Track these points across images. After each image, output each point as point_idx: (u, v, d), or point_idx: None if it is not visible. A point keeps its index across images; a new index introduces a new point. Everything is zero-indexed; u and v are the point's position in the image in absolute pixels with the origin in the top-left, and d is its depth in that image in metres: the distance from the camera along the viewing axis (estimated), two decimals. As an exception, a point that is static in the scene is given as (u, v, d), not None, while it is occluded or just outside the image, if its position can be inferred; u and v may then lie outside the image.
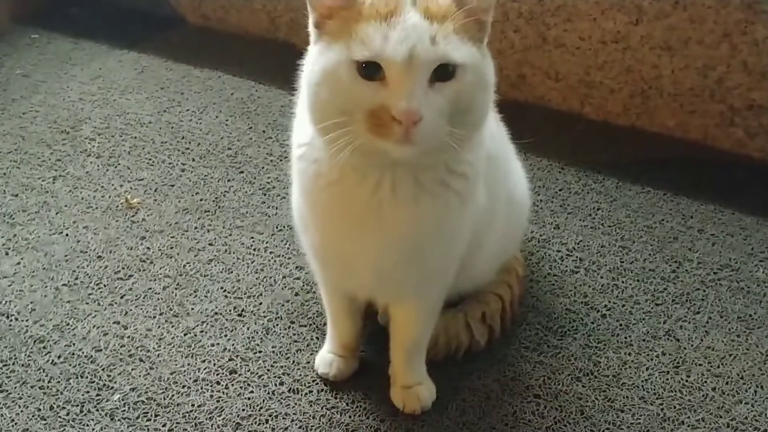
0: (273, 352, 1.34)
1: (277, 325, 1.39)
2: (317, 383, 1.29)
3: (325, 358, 1.30)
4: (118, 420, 1.23)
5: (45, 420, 1.22)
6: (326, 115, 0.94)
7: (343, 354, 1.29)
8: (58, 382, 1.28)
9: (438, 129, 0.92)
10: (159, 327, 1.38)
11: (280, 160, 1.77)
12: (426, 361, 1.27)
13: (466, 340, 1.32)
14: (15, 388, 1.27)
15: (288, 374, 1.30)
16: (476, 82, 0.95)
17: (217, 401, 1.26)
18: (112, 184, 1.71)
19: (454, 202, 1.05)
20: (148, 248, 1.55)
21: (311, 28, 0.98)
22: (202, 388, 1.28)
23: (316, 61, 0.96)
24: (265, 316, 1.40)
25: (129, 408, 1.24)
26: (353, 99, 0.92)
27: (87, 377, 1.29)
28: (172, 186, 1.71)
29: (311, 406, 1.26)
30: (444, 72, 0.91)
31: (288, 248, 1.54)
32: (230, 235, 1.58)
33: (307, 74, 0.98)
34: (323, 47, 0.95)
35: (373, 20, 0.91)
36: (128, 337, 1.36)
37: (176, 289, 1.46)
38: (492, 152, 1.13)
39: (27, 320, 1.39)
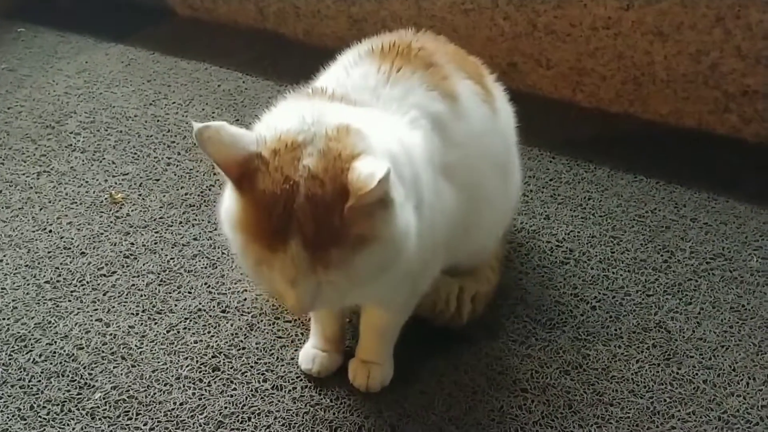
0: (256, 348, 1.32)
1: (261, 321, 1.37)
2: (301, 380, 1.27)
3: (309, 354, 1.28)
4: (99, 419, 1.21)
5: (25, 420, 1.21)
6: None
7: (326, 348, 1.27)
8: (39, 381, 1.26)
9: None
10: (142, 324, 1.36)
11: (267, 153, 1.75)
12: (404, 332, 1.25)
13: (452, 309, 1.30)
14: (-5, 387, 1.25)
15: (272, 371, 1.28)
16: None
17: (200, 399, 1.24)
18: (97, 179, 1.69)
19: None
20: (132, 244, 1.53)
21: None
22: (184, 386, 1.26)
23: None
24: (249, 312, 1.38)
25: (110, 407, 1.23)
26: None
27: (68, 376, 1.27)
28: (157, 180, 1.69)
29: (295, 403, 1.24)
30: None
31: (273, 242, 1.52)
32: (215, 229, 1.56)
33: None
34: None
35: None
36: (110, 334, 1.34)
37: (159, 285, 1.44)
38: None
39: (8, 318, 1.37)
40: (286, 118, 1.00)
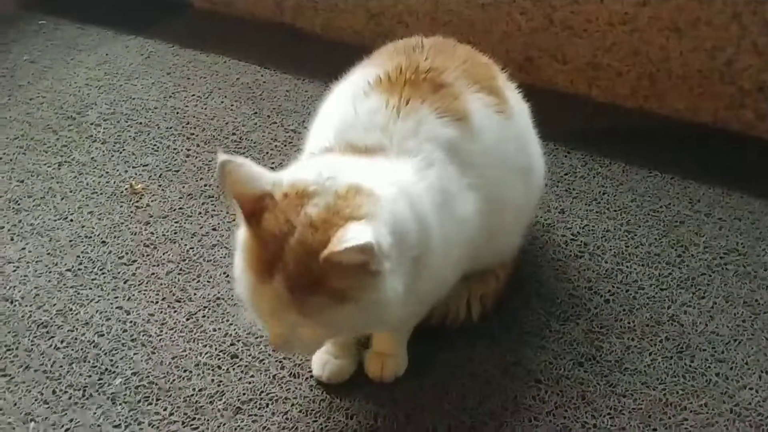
0: (274, 336, 1.34)
1: (279, 309, 1.39)
2: (318, 368, 1.29)
3: (320, 359, 1.26)
4: (120, 404, 1.23)
5: (47, 404, 1.23)
6: None
7: (338, 354, 1.26)
8: (61, 366, 1.29)
9: None
10: (161, 312, 1.39)
11: (285, 146, 1.77)
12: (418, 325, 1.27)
13: (462, 316, 1.33)
14: (18, 372, 1.28)
15: (289, 358, 1.30)
16: None
17: (218, 385, 1.26)
18: (117, 170, 1.72)
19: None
20: (152, 233, 1.55)
21: None
22: (203, 373, 1.28)
23: None
24: (266, 301, 1.40)
25: (130, 392, 1.25)
26: None
27: (89, 362, 1.30)
28: (177, 171, 1.71)
29: (311, 390, 1.26)
30: None
31: (291, 233, 1.54)
32: (233, 220, 1.57)
33: None
34: None
35: None
36: (131, 322, 1.37)
37: (179, 274, 1.46)
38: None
39: (31, 305, 1.40)
40: (307, 169, 1.05)
